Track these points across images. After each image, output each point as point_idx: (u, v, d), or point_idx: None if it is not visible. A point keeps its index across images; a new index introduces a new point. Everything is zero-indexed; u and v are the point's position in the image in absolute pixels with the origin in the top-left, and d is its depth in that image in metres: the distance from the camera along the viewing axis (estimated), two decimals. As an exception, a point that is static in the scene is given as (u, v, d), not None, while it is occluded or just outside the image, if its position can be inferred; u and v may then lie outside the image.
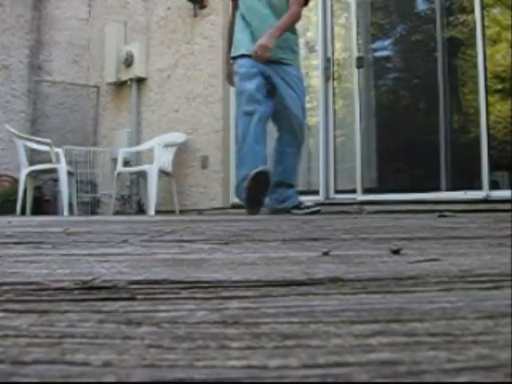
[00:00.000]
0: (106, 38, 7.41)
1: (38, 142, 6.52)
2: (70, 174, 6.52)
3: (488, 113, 4.44)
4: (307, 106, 6.22)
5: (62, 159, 6.37)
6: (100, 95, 7.72)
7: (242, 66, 4.02)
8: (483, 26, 4.51)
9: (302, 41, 6.26)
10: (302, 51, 6.27)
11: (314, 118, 5.92)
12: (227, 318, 0.54)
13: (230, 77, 4.29)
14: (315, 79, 5.86)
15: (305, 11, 6.39)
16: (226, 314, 0.56)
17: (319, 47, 5.67)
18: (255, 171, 3.72)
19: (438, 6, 5.08)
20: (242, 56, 4.05)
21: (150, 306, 0.61)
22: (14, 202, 6.21)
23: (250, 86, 3.93)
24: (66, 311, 0.58)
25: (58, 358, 0.41)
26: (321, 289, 0.71)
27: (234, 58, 4.14)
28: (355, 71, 5.33)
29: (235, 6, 4.27)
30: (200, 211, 5.93)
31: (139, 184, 6.95)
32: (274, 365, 0.39)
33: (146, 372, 0.38)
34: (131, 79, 7.09)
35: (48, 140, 6.42)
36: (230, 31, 4.36)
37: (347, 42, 5.66)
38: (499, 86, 4.85)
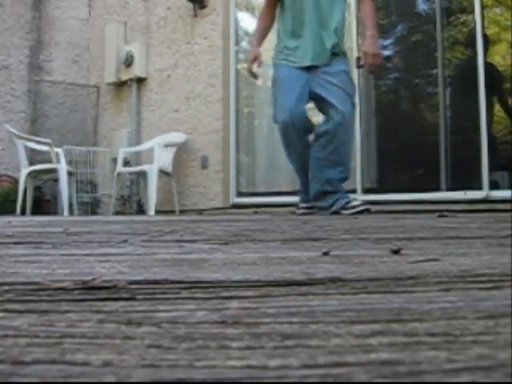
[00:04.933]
0: (105, 38, 7.41)
1: (38, 142, 6.52)
2: (69, 174, 6.52)
3: (488, 113, 4.44)
4: (307, 105, 6.23)
5: (62, 159, 6.37)
6: (100, 95, 7.72)
7: None
8: (483, 26, 4.51)
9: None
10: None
11: (314, 118, 5.92)
12: (227, 317, 0.54)
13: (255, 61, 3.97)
14: (315, 79, 5.85)
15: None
16: (226, 314, 0.56)
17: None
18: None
19: (438, 6, 5.07)
20: None
21: (150, 306, 0.61)
22: (14, 201, 6.21)
23: None
24: (66, 311, 0.58)
25: (58, 357, 0.41)
26: (321, 289, 0.71)
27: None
28: (355, 71, 5.32)
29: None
30: (200, 211, 5.93)
31: (139, 184, 6.95)
32: (274, 365, 0.39)
33: (146, 372, 0.38)
34: (131, 79, 7.09)
35: (48, 140, 6.42)
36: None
37: (347, 42, 5.65)
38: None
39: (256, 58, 3.94)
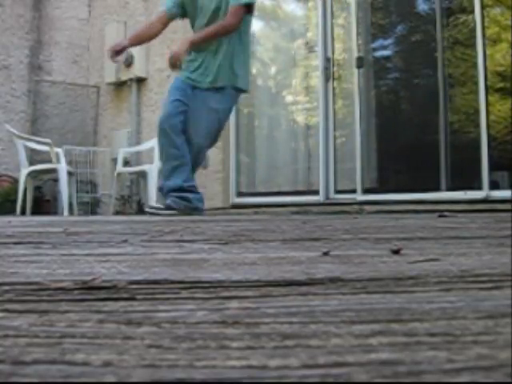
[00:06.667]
0: (106, 38, 7.41)
1: (38, 142, 6.52)
2: (69, 174, 6.52)
3: (488, 113, 4.44)
4: (307, 106, 6.23)
5: (62, 159, 6.37)
6: (100, 95, 7.72)
7: None
8: (483, 26, 4.51)
9: (301, 41, 6.27)
10: (302, 51, 6.27)
11: (314, 118, 5.92)
12: (227, 317, 0.54)
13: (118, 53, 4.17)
14: (315, 79, 5.85)
15: (305, 11, 6.40)
16: (226, 314, 0.56)
17: (319, 47, 5.67)
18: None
19: (438, 6, 5.07)
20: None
21: (150, 306, 0.61)
22: (14, 201, 6.21)
23: None
24: (66, 311, 0.58)
25: (58, 357, 0.41)
26: (321, 289, 0.71)
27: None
28: (355, 71, 5.32)
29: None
30: (200, 211, 5.92)
31: (139, 184, 6.95)
32: (274, 365, 0.39)
33: (146, 372, 0.38)
34: (131, 79, 7.09)
35: (48, 140, 6.42)
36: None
37: (347, 42, 5.66)
38: (500, 85, 4.85)
39: (119, 47, 4.15)
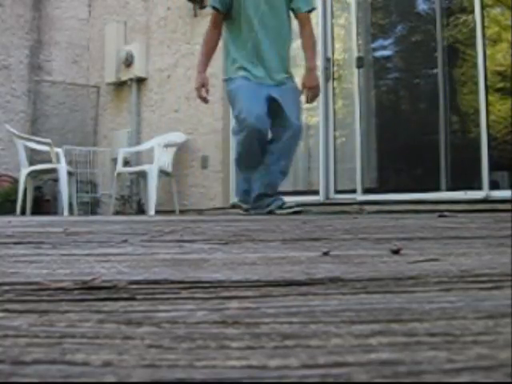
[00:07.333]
0: (106, 38, 7.41)
1: (38, 142, 6.52)
2: (69, 174, 6.52)
3: (488, 113, 4.44)
4: (307, 105, 6.22)
5: (62, 159, 6.37)
6: (100, 95, 7.72)
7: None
8: (483, 26, 4.51)
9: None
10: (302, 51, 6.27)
11: (314, 118, 5.92)
12: (227, 317, 0.54)
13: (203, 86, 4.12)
14: (315, 79, 5.84)
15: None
16: (226, 314, 0.56)
17: (319, 47, 5.66)
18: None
19: (438, 6, 5.07)
20: None
21: (150, 306, 0.61)
22: (14, 201, 6.21)
23: None
24: (66, 311, 0.58)
25: (58, 357, 0.41)
26: (321, 289, 0.71)
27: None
28: (355, 71, 5.32)
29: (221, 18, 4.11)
30: (200, 211, 5.93)
31: (139, 184, 6.95)
32: (274, 365, 0.39)
33: (146, 372, 0.38)
34: (131, 79, 7.09)
35: (48, 140, 6.42)
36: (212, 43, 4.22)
37: (347, 42, 5.66)
38: (500, 85, 4.85)
39: (204, 85, 4.14)
